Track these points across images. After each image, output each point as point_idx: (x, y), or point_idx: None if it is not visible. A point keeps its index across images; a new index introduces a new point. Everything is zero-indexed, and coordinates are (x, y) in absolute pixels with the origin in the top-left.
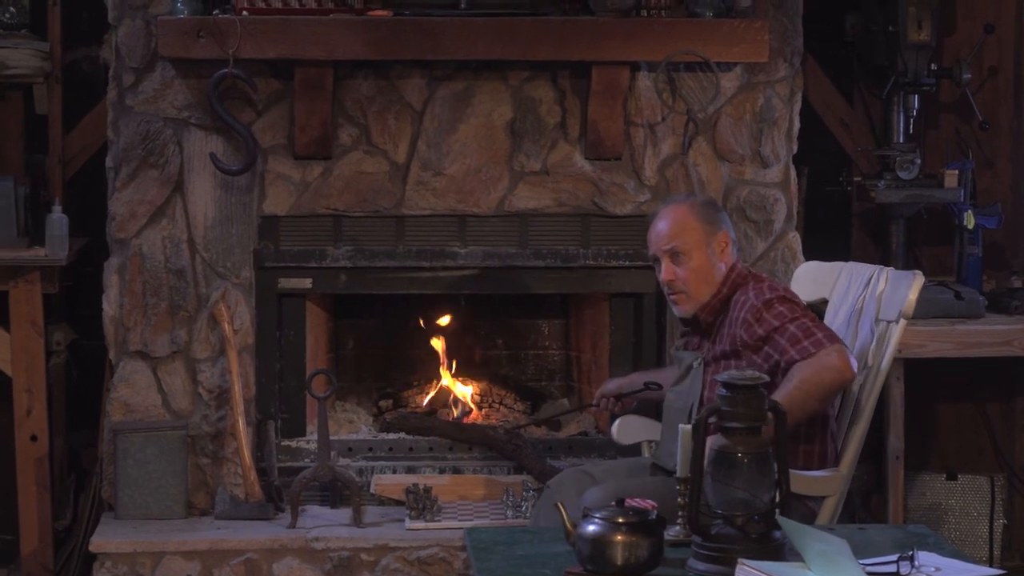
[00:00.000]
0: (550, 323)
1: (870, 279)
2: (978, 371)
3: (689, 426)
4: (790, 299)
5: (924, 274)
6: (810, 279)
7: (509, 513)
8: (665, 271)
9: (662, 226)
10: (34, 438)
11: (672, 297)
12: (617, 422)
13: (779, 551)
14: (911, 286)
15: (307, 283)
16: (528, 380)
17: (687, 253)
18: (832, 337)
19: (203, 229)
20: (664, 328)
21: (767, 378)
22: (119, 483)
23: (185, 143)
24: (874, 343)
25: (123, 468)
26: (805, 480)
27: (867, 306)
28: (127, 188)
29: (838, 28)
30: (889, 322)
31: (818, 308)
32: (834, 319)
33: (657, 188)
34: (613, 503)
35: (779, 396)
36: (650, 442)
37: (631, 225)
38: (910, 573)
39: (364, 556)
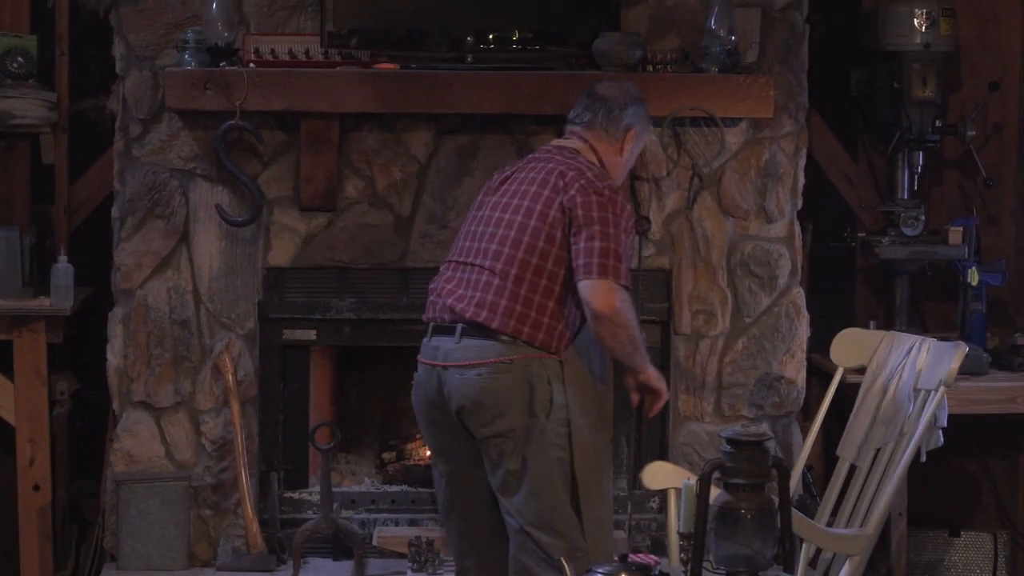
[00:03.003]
0: None
1: (911, 349)
2: (982, 428)
3: (693, 482)
4: None
5: (928, 330)
6: (850, 345)
7: None
8: None
9: None
10: (36, 488)
11: None
12: (647, 468)
13: None
14: (955, 356)
15: (311, 335)
16: None
17: None
18: None
19: (208, 280)
20: (668, 382)
21: (771, 435)
22: (121, 534)
23: (191, 194)
24: (912, 410)
25: (125, 519)
26: (831, 539)
27: (906, 375)
28: (133, 238)
29: (843, 84)
30: (928, 391)
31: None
32: (872, 386)
33: (662, 243)
34: (616, 558)
35: None
36: None
37: (636, 278)
38: None
39: None
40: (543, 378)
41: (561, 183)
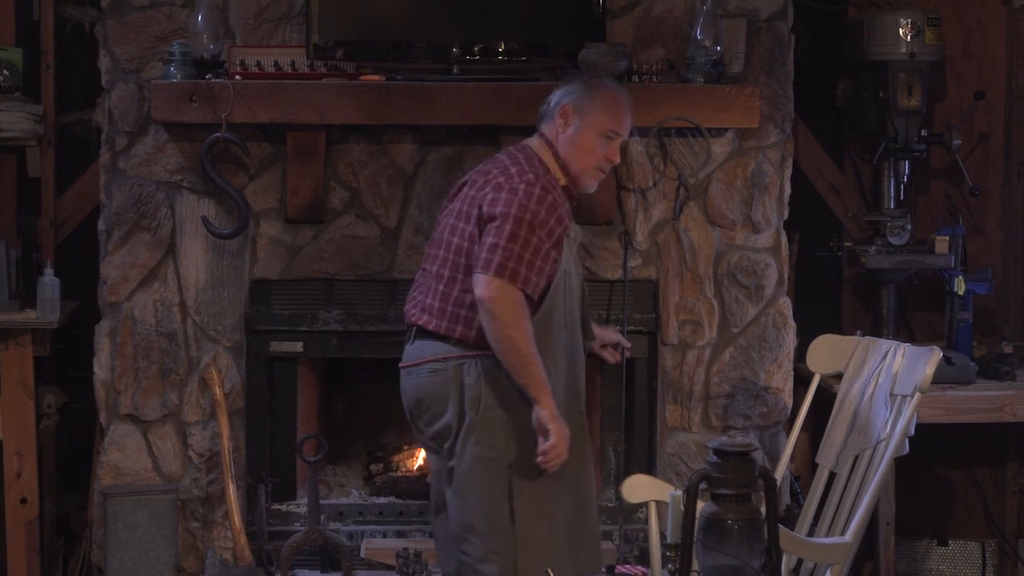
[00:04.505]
0: None
1: (886, 354)
2: (969, 437)
3: (680, 493)
4: None
5: (915, 340)
6: (826, 351)
7: None
8: (617, 154)
9: (631, 115)
10: (24, 501)
11: (600, 175)
12: (627, 482)
13: None
14: (928, 361)
15: (298, 347)
16: None
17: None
18: None
19: (194, 292)
20: (655, 392)
21: (757, 445)
22: (109, 547)
23: (177, 206)
24: (889, 416)
25: (113, 532)
26: (811, 548)
27: (883, 380)
28: (119, 251)
29: (829, 94)
30: (904, 396)
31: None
32: (848, 392)
33: (648, 253)
34: (603, 569)
35: None
36: None
37: (622, 290)
38: None
39: None
40: (474, 376)
41: (482, 180)
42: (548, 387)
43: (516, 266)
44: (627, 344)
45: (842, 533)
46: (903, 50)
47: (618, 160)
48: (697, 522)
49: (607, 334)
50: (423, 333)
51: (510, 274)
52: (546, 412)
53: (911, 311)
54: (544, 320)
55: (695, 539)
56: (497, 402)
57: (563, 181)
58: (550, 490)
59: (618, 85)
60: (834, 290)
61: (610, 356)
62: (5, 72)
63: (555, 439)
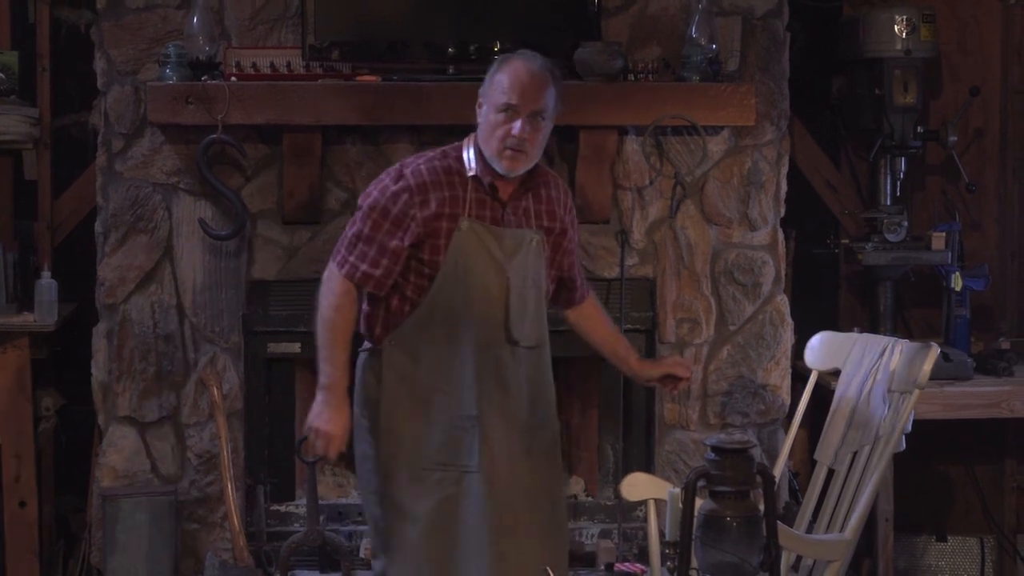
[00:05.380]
0: None
1: (884, 350)
2: (967, 433)
3: (678, 490)
4: None
5: (913, 336)
6: (824, 348)
7: None
8: (522, 127)
9: (530, 82)
10: (23, 504)
11: (511, 153)
12: (625, 480)
13: None
14: (926, 358)
15: (296, 347)
16: None
17: (546, 119)
18: None
19: (192, 294)
20: (653, 390)
21: (755, 442)
22: (108, 549)
23: (174, 208)
24: (887, 413)
25: (112, 534)
26: (810, 545)
27: (880, 377)
28: (116, 253)
29: (824, 91)
30: (902, 392)
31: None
32: (847, 389)
33: (645, 251)
34: (603, 567)
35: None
36: None
37: (619, 288)
38: None
39: None
40: (362, 369)
41: None
42: (328, 381)
43: (347, 255)
44: (683, 374)
45: (841, 530)
46: (898, 47)
47: (525, 135)
48: (696, 520)
49: (660, 367)
50: None
51: (339, 262)
52: (315, 408)
53: (908, 307)
54: (420, 325)
55: (694, 536)
56: (377, 397)
57: (471, 171)
58: (412, 492)
59: (526, 56)
60: (831, 287)
61: (669, 388)
62: (1, 75)
63: (312, 435)
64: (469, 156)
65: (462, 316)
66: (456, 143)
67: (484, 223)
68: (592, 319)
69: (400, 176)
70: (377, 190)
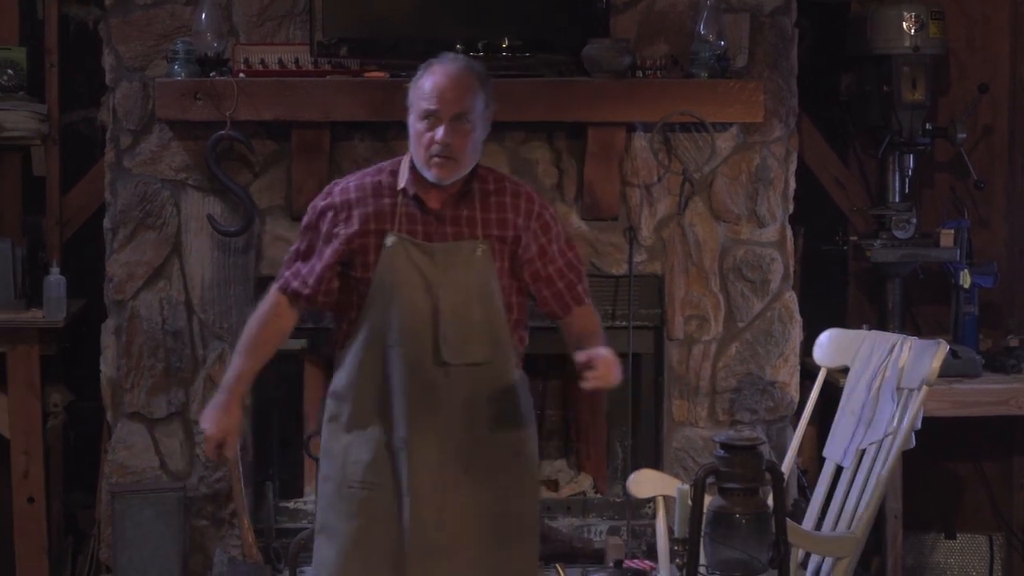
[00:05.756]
0: (547, 384)
1: (893, 347)
2: (976, 430)
3: (687, 487)
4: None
5: (921, 333)
6: (833, 345)
7: None
8: (445, 132)
9: (450, 85)
10: (31, 500)
11: (439, 160)
12: (633, 477)
13: None
14: (935, 355)
15: (303, 344)
16: None
17: (472, 122)
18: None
19: (200, 290)
20: (662, 387)
21: (764, 439)
22: (117, 545)
23: (183, 204)
24: (896, 410)
25: (121, 530)
26: (819, 542)
27: (889, 374)
28: (125, 249)
29: (833, 88)
30: (911, 390)
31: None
32: (856, 386)
33: (654, 248)
34: (611, 564)
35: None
36: None
37: (627, 285)
38: None
39: None
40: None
41: None
42: (224, 384)
43: (284, 270)
44: (595, 375)
45: (849, 527)
46: (907, 44)
47: (448, 140)
48: (705, 516)
49: (585, 355)
50: None
51: (279, 275)
52: (209, 411)
53: (917, 305)
54: (357, 344)
55: (703, 533)
56: (329, 415)
57: (401, 184)
58: (337, 509)
59: (446, 60)
60: (840, 284)
61: (583, 378)
62: (9, 71)
63: (211, 439)
64: (404, 169)
65: (391, 335)
66: (398, 157)
67: (414, 238)
68: (570, 325)
69: (328, 194)
70: (311, 207)
